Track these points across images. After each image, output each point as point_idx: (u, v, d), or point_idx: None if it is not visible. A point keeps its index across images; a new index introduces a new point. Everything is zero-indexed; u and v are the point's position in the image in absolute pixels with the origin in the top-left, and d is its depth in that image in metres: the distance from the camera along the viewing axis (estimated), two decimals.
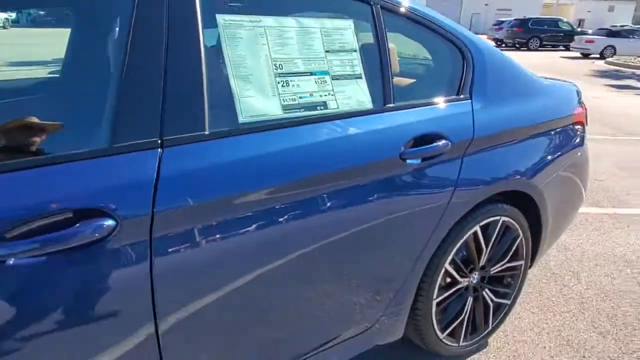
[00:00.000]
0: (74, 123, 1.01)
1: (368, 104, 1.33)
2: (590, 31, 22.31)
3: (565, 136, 1.89)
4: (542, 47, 22.05)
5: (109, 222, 0.88)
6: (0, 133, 0.91)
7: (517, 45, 22.10)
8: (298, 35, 1.23)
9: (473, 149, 1.50)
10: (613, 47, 18.18)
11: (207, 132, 1.04)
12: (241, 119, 1.10)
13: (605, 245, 2.81)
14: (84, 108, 1.03)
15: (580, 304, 2.19)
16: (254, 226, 1.07)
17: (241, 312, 1.12)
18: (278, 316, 1.20)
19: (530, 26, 22.45)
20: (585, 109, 2.07)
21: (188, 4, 1.03)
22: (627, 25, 25.41)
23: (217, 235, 1.02)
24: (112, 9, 0.99)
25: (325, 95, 1.25)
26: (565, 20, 25.34)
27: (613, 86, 10.51)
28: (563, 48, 22.47)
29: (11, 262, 0.80)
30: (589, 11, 55.87)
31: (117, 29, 0.98)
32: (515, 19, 23.71)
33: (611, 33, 18.89)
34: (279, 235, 1.11)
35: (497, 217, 1.66)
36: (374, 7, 1.39)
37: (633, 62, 15.50)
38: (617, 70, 14.19)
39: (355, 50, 1.33)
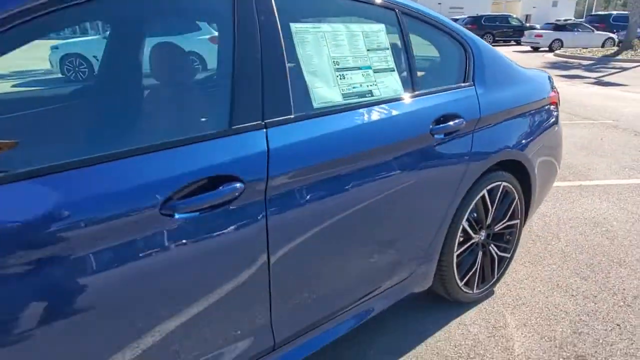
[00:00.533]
0: (208, 113, 1.27)
1: (401, 92, 1.64)
2: (538, 26, 23.67)
3: (545, 115, 2.27)
4: (495, 42, 23.18)
5: (239, 185, 1.14)
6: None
7: None
8: (347, 38, 1.52)
9: (480, 126, 1.84)
10: (560, 40, 19.42)
11: (292, 116, 1.31)
12: (315, 105, 1.38)
13: (576, 211, 3.24)
14: (215, 102, 1.28)
15: (563, 257, 2.59)
16: (327, 187, 1.35)
17: (322, 257, 1.40)
18: (347, 265, 1.49)
19: (483, 23, 23.60)
20: (558, 93, 2.47)
21: (271, 19, 1.31)
22: (570, 19, 26.97)
23: (305, 194, 1.29)
24: (228, 34, 1.24)
25: (370, 85, 1.55)
26: (514, 16, 26.72)
27: (563, 76, 11.34)
28: (514, 43, 23.74)
29: (179, 215, 1.06)
30: (534, 7, 58.75)
31: (231, 46, 1.24)
32: (469, 17, 24.84)
33: (558, 27, 20.14)
34: (345, 196, 1.40)
35: (499, 183, 2.01)
36: (397, 12, 1.70)
37: (579, 54, 16.66)
38: (565, 62, 15.23)
39: (387, 48, 1.64)
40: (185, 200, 1.07)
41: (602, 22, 22.85)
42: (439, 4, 50.16)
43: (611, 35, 20.42)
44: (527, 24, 27.98)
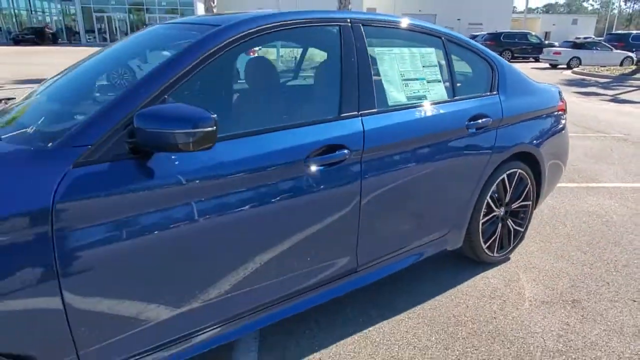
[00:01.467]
0: (329, 106, 1.89)
1: (445, 97, 2.27)
2: (557, 44, 24.09)
3: (554, 119, 2.87)
4: (513, 59, 23.67)
5: (347, 151, 1.78)
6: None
7: None
8: (409, 58, 2.16)
9: (502, 125, 2.45)
10: (578, 58, 19.85)
11: (375, 110, 1.95)
12: (389, 103, 2.02)
13: (582, 206, 3.80)
14: (331, 99, 1.90)
15: (567, 238, 3.16)
16: (396, 158, 1.97)
17: (392, 205, 2.02)
18: (409, 216, 2.11)
19: (502, 40, 24.15)
20: (565, 102, 3.06)
21: (362, 46, 1.95)
22: (590, 38, 27.21)
23: (384, 160, 1.92)
24: (336, 56, 1.90)
25: (424, 92, 2.18)
26: (533, 33, 27.18)
27: (580, 93, 11.83)
28: (533, 60, 24.20)
29: (313, 166, 1.70)
30: (554, 24, 58.97)
31: (339, 64, 1.89)
32: (489, 33, 25.40)
33: (576, 45, 20.58)
34: (406, 166, 2.02)
35: (516, 170, 2.61)
36: (443, 40, 2.34)
37: (596, 72, 17.07)
38: (583, 79, 15.68)
39: (436, 65, 2.27)
40: (316, 157, 1.71)
41: (620, 41, 23.19)
42: (458, 20, 50.84)
43: (630, 54, 20.77)
44: (547, 42, 28.41)
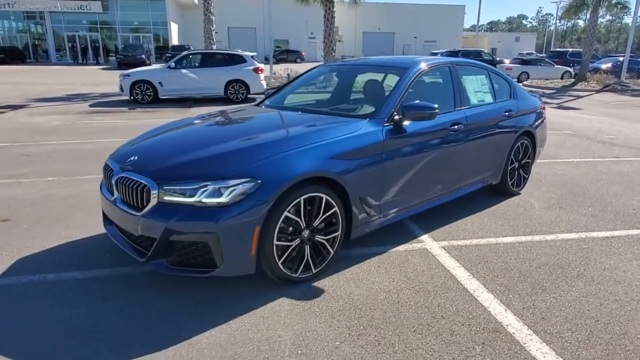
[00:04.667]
0: (448, 105, 3.90)
1: (492, 100, 4.36)
2: (507, 60, 27.44)
3: (540, 114, 5.02)
4: None
5: (462, 125, 3.80)
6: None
7: None
8: (476, 80, 4.24)
9: (517, 115, 4.56)
10: (527, 72, 23.06)
11: (467, 106, 3.99)
12: (471, 103, 4.07)
13: (553, 171, 6.00)
14: (448, 101, 3.91)
15: (548, 185, 5.30)
16: (478, 130, 4.00)
17: (468, 155, 4.05)
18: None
19: (460, 57, 27.25)
20: (544, 105, 5.24)
21: (459, 75, 4.00)
22: (533, 54, 30.75)
23: (474, 132, 3.95)
24: (449, 80, 3.94)
25: (483, 98, 4.26)
26: (486, 50, 30.66)
27: None
28: None
29: (450, 132, 3.70)
30: (499, 41, 64.24)
31: (451, 84, 3.93)
32: (447, 51, 28.41)
33: (524, 62, 23.84)
34: (479, 136, 4.04)
35: (524, 141, 4.72)
36: (488, 71, 4.45)
37: (543, 84, 20.17)
38: (532, 91, 18.59)
39: (486, 84, 4.36)
40: (451, 127, 3.70)
41: (560, 58, 26.89)
42: (415, 37, 54.71)
43: (568, 69, 24.28)
44: (497, 58, 31.97)
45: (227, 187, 2.46)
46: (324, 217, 2.82)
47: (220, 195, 2.45)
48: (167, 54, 32.77)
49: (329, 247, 2.91)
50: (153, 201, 2.53)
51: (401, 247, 3.42)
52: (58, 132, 8.41)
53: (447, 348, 2.23)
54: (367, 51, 52.11)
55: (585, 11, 23.19)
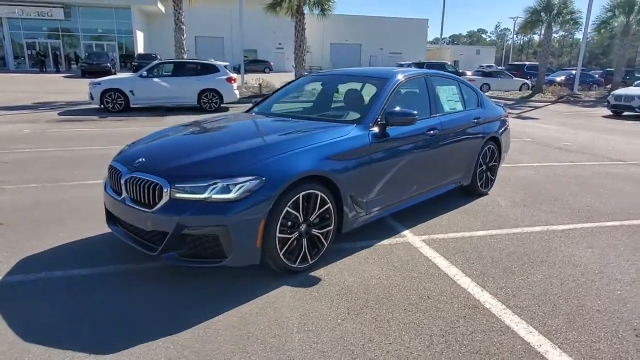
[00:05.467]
0: (424, 112, 4.28)
1: (462, 109, 4.78)
2: (469, 72, 28.69)
3: (504, 121, 5.51)
4: None
5: (437, 131, 4.18)
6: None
7: None
8: (447, 90, 4.65)
9: (485, 122, 5.00)
10: (488, 84, 24.22)
11: (441, 113, 4.39)
12: (444, 111, 4.47)
13: (516, 174, 6.51)
14: (424, 108, 4.28)
15: (513, 186, 5.78)
16: (451, 135, 4.40)
17: (439, 161, 4.44)
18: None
19: (425, 69, 28.31)
20: (508, 114, 5.74)
21: (434, 85, 4.40)
22: (493, 67, 32.22)
23: (445, 137, 4.34)
24: (425, 91, 4.33)
25: (454, 106, 4.68)
26: (449, 63, 31.91)
27: None
28: None
29: (427, 136, 4.07)
30: (461, 54, 66.72)
31: (427, 94, 4.32)
32: (414, 63, 29.45)
33: (485, 74, 25.04)
34: (449, 141, 4.44)
35: (491, 146, 5.17)
36: (459, 82, 4.88)
37: (503, 96, 21.24)
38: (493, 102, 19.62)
39: (456, 94, 4.79)
40: (428, 132, 4.07)
41: (518, 70, 28.38)
42: (381, 49, 56.12)
43: (526, 81, 25.66)
44: (460, 70, 33.34)
45: (236, 185, 2.71)
46: (319, 212, 3.11)
47: (229, 192, 2.70)
48: (133, 63, 32.36)
49: (323, 240, 3.19)
50: (165, 198, 2.75)
51: (386, 242, 3.74)
52: (31, 141, 8.34)
53: (435, 322, 2.55)
54: (335, 62, 52.99)
55: (540, 27, 24.67)
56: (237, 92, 14.52)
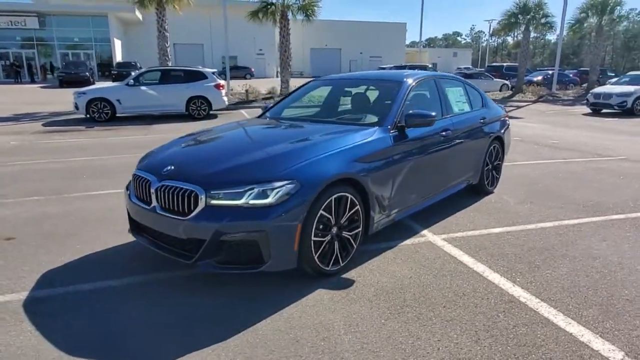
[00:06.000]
0: (439, 111, 4.34)
1: (469, 109, 4.88)
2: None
3: (505, 121, 5.65)
4: None
5: (450, 132, 4.26)
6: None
7: None
8: (455, 91, 4.75)
9: (489, 122, 5.12)
10: None
11: (452, 114, 4.47)
12: (453, 111, 4.56)
13: (514, 172, 6.67)
14: (436, 109, 4.35)
15: (513, 183, 5.92)
16: (461, 135, 4.49)
17: (448, 162, 4.53)
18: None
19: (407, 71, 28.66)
20: (507, 113, 5.88)
21: (444, 87, 4.49)
22: (471, 68, 32.80)
23: (457, 136, 4.42)
24: (435, 92, 4.41)
25: (462, 107, 4.77)
26: (429, 65, 32.44)
27: None
28: None
29: (441, 136, 4.14)
30: (439, 57, 67.77)
31: (437, 95, 4.40)
32: (395, 66, 29.80)
33: (467, 75, 25.46)
34: (459, 141, 4.53)
35: (495, 145, 5.30)
36: (464, 84, 4.98)
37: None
38: None
39: (462, 95, 4.89)
40: (441, 132, 4.14)
41: (497, 71, 29.00)
42: (361, 53, 56.59)
43: (505, 82, 26.24)
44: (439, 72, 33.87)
45: (273, 189, 2.71)
46: (348, 214, 3.13)
47: (266, 196, 2.70)
48: (112, 71, 31.82)
49: (352, 241, 3.22)
50: (200, 205, 2.73)
51: (408, 241, 3.79)
52: (20, 153, 8.13)
53: (476, 317, 2.60)
54: (315, 66, 53.19)
55: (516, 29, 25.30)
56: (225, 99, 14.45)
